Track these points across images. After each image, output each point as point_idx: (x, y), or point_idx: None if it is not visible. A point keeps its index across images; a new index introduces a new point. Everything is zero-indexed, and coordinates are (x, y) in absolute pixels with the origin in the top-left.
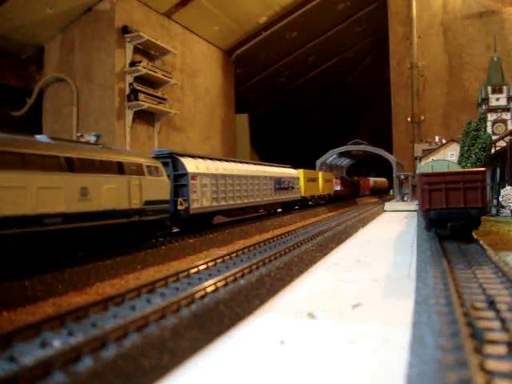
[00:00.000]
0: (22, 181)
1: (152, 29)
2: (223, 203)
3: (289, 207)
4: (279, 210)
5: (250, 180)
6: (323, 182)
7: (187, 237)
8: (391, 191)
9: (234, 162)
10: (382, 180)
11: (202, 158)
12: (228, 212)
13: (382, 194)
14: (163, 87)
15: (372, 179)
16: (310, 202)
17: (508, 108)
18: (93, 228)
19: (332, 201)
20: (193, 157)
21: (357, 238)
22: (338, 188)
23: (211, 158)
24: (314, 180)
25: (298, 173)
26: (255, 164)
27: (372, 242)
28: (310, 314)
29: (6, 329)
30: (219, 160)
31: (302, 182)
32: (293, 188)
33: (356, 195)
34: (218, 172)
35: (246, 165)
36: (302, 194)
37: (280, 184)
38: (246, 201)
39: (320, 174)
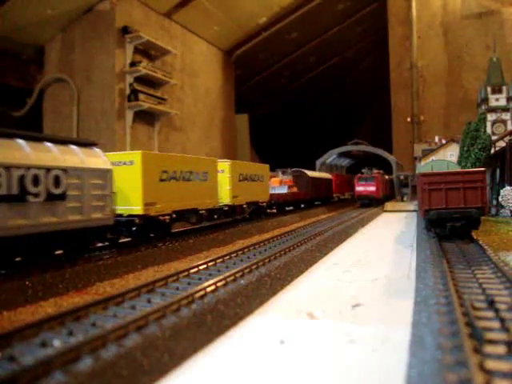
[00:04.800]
0: None
1: (152, 29)
2: None
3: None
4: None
5: None
6: (234, 180)
7: (187, 237)
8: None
9: None
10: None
11: None
12: None
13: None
14: (163, 87)
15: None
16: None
17: (508, 108)
18: None
19: (268, 213)
20: None
21: (356, 237)
22: (284, 191)
23: None
24: (201, 177)
25: (132, 160)
26: None
27: (372, 242)
28: (309, 313)
29: (6, 329)
30: None
31: (139, 183)
32: (79, 198)
33: (327, 200)
34: None
35: None
36: (139, 212)
37: None
38: None
39: (226, 164)
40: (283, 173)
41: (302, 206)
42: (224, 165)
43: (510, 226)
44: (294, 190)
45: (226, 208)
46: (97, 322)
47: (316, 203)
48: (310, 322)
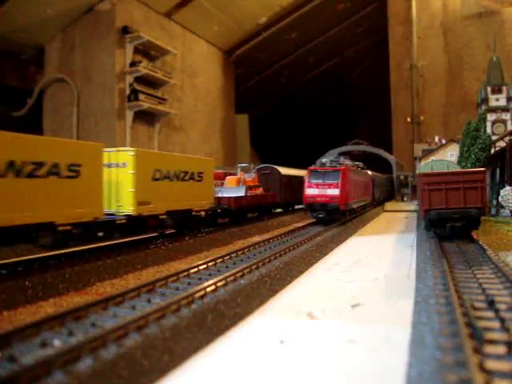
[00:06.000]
0: None
1: (152, 29)
2: None
3: None
4: None
5: None
6: (142, 178)
7: (187, 237)
8: None
9: None
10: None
11: None
12: None
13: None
14: (163, 87)
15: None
16: None
17: (507, 108)
18: None
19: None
20: None
21: (356, 237)
22: (240, 193)
23: None
24: (65, 172)
25: None
26: None
27: (372, 242)
28: (309, 313)
29: (6, 329)
30: None
31: None
32: None
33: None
34: None
35: None
36: None
37: None
38: None
39: (128, 154)
40: (243, 169)
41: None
42: (125, 155)
43: (510, 226)
44: (258, 191)
45: (122, 221)
46: (97, 322)
47: (297, 207)
48: (310, 322)
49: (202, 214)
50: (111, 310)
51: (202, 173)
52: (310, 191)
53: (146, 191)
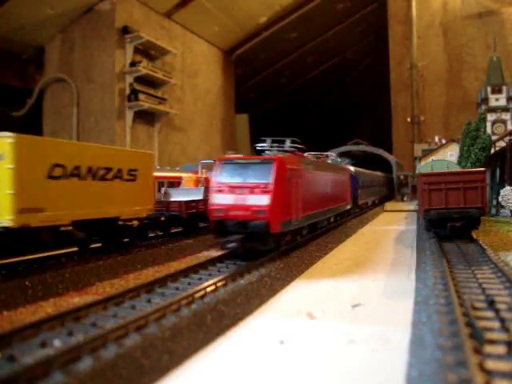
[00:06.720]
0: None
1: (152, 29)
2: None
3: None
4: None
5: None
6: (29, 175)
7: (186, 237)
8: None
9: None
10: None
11: None
12: None
13: None
14: (163, 87)
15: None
16: None
17: (507, 108)
18: None
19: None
20: None
21: (356, 238)
22: (198, 196)
23: None
24: None
25: None
26: None
27: (372, 242)
28: (309, 313)
29: (6, 329)
30: None
31: None
32: None
33: None
34: None
35: None
36: None
37: None
38: None
39: (5, 142)
40: (206, 167)
41: None
42: (1, 144)
43: (510, 226)
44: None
45: None
46: (97, 322)
47: None
48: (310, 322)
49: (135, 223)
50: (111, 310)
51: (134, 170)
52: (218, 199)
53: (38, 194)
